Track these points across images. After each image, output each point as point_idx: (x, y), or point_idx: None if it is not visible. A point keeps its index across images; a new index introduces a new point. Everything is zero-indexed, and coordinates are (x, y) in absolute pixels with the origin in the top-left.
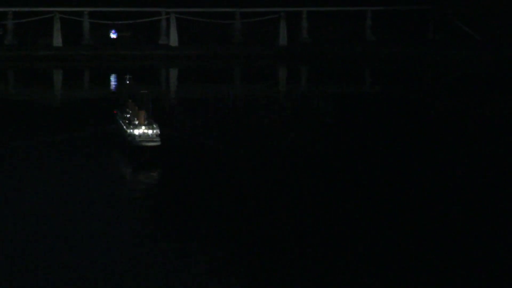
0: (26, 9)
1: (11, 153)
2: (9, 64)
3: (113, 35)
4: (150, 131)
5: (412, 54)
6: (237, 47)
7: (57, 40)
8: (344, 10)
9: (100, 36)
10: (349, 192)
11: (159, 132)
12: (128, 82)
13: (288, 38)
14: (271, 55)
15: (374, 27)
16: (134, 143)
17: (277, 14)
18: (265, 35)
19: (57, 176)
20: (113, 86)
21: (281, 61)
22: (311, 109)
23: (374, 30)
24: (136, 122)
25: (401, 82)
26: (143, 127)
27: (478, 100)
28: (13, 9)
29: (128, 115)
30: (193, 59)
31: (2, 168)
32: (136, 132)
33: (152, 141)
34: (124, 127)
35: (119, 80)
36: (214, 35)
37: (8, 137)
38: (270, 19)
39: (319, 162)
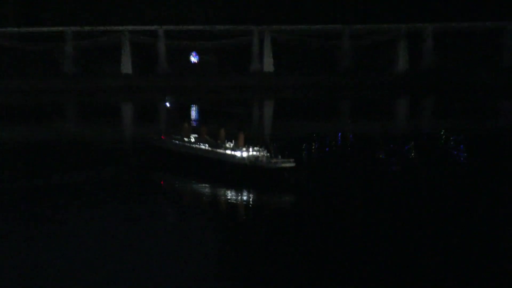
0: (88, 28)
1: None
2: (70, 97)
3: (193, 59)
4: (261, 154)
5: None
6: (344, 74)
7: (126, 66)
8: (479, 26)
9: (178, 60)
10: None
11: (269, 154)
12: (168, 106)
13: (409, 63)
14: (387, 85)
15: None
16: (266, 166)
17: (395, 33)
18: (379, 58)
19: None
20: (194, 122)
21: (400, 92)
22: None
23: None
24: (227, 145)
25: None
26: (251, 150)
27: None
28: (73, 28)
29: (191, 139)
30: (291, 89)
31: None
32: (250, 154)
33: (288, 162)
34: (221, 150)
35: (203, 116)
36: (317, 58)
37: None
38: (385, 39)
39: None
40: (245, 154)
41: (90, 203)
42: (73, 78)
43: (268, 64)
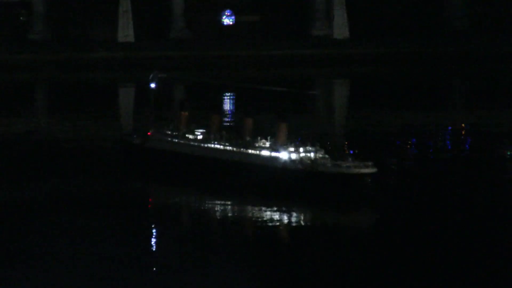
0: None
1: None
2: (39, 74)
3: (227, 20)
4: (318, 154)
5: None
6: (455, 38)
7: (126, 30)
8: None
9: (203, 23)
10: None
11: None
12: (154, 85)
13: None
14: None
15: None
16: (332, 171)
17: None
18: (502, 17)
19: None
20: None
21: None
22: None
23: None
24: (262, 143)
25: None
26: (301, 149)
27: None
28: None
29: (196, 135)
30: (373, 62)
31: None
32: (302, 154)
33: (365, 166)
34: (253, 150)
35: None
36: (410, 20)
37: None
38: None
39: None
40: (294, 156)
41: (52, 231)
42: (46, 47)
43: (341, 26)
